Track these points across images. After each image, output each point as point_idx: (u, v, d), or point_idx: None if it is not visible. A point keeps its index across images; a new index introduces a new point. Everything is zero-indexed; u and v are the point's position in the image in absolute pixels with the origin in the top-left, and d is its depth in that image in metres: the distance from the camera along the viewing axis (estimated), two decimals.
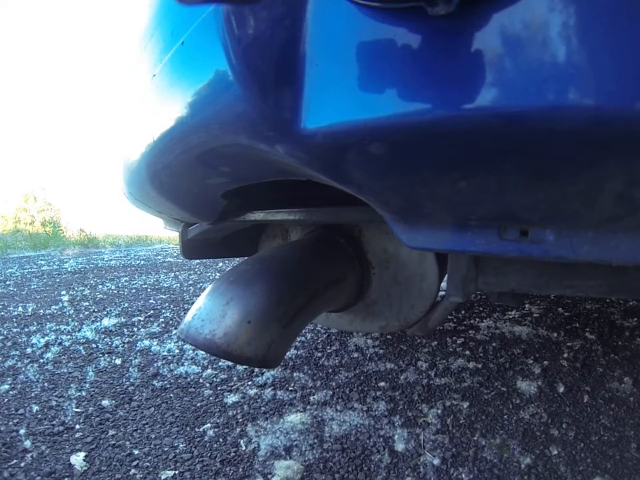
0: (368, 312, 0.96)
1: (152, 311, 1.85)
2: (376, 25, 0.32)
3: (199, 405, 0.97)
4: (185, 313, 1.79)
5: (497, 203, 0.38)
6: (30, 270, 3.38)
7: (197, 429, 0.87)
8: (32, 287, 2.57)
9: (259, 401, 0.97)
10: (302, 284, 0.75)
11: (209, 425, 0.88)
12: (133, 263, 3.84)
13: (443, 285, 0.78)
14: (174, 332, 1.53)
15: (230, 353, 0.63)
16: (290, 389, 1.02)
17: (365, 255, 0.91)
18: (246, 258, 0.90)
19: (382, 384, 1.03)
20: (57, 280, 2.82)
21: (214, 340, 0.63)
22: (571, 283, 0.57)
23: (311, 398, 0.97)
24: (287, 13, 0.36)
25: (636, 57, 0.24)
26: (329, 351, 1.26)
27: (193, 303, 2.00)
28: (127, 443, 0.83)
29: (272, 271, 0.74)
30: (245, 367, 1.14)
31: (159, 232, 7.17)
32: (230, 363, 1.17)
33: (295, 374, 1.10)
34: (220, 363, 1.20)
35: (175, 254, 4.59)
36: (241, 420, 0.90)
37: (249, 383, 1.07)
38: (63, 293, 2.33)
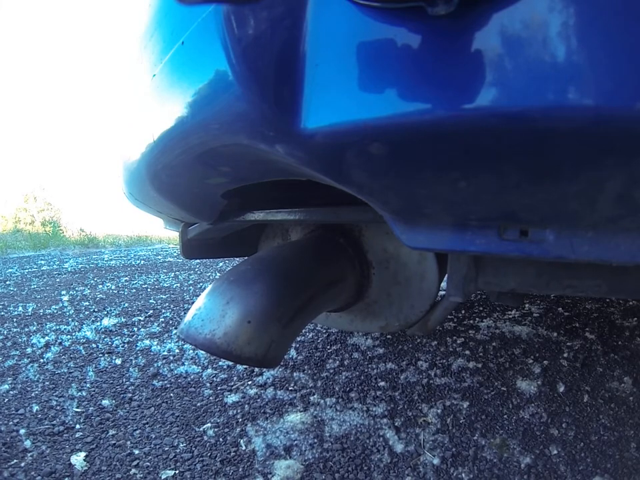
0: (368, 312, 0.96)
1: (152, 311, 1.85)
2: (376, 25, 0.32)
3: (199, 404, 0.97)
4: (184, 313, 1.80)
5: (496, 202, 0.38)
6: (30, 270, 3.38)
7: (197, 429, 0.87)
8: (32, 286, 2.57)
9: (259, 400, 0.97)
10: (302, 284, 0.75)
11: (209, 424, 0.88)
12: (133, 262, 3.84)
13: (443, 284, 0.78)
14: (174, 332, 1.53)
15: (230, 353, 0.63)
16: (290, 388, 1.02)
17: (365, 255, 0.91)
18: (246, 258, 0.90)
19: (382, 384, 1.03)
20: (57, 280, 2.82)
21: (214, 340, 0.63)
22: (570, 282, 0.57)
23: (311, 398, 0.97)
24: (287, 13, 0.36)
25: (635, 57, 0.24)
26: (329, 351, 1.26)
27: (193, 303, 1.99)
28: (127, 442, 0.83)
29: (272, 270, 0.74)
30: (245, 366, 1.14)
31: (159, 232, 7.18)
32: (230, 363, 1.17)
33: (295, 374, 1.10)
34: (220, 363, 1.20)
35: (175, 254, 4.59)
36: (241, 420, 0.90)
37: (249, 382, 1.06)
38: (63, 292, 2.33)
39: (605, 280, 0.55)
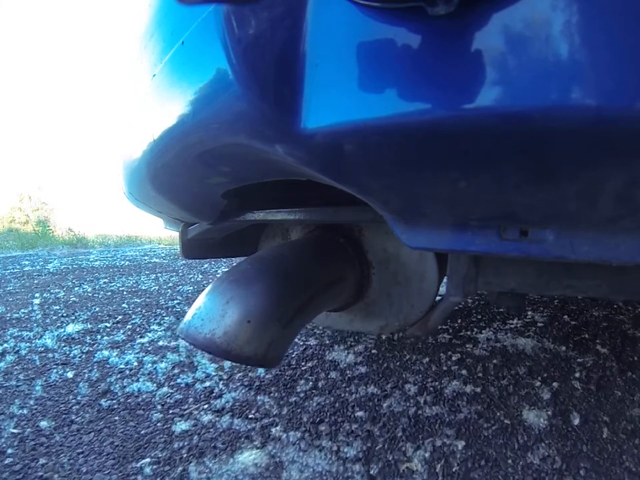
0: (368, 311, 0.97)
1: (121, 317, 1.75)
2: (376, 25, 0.32)
3: (143, 432, 0.85)
4: (155, 319, 1.71)
5: (496, 202, 0.38)
6: (12, 270, 3.23)
7: (134, 464, 0.76)
8: (8, 288, 2.44)
9: (211, 430, 0.84)
10: (302, 283, 0.75)
11: (148, 459, 0.77)
12: (117, 263, 3.68)
13: (443, 285, 0.77)
14: (138, 341, 1.43)
15: (229, 352, 0.63)
16: (250, 416, 0.88)
17: (365, 255, 0.91)
18: (246, 257, 0.90)
19: (360, 414, 0.87)
20: (35, 281, 2.70)
21: (213, 339, 0.63)
22: (570, 283, 0.57)
23: (272, 430, 0.83)
24: (287, 13, 0.36)
25: (636, 56, 0.24)
26: (303, 368, 1.11)
27: (166, 308, 1.93)
28: (55, 475, 0.73)
29: (272, 270, 0.74)
30: (203, 387, 1.03)
31: (149, 232, 6.95)
32: (189, 381, 1.07)
33: (259, 397, 0.96)
34: (178, 381, 1.07)
35: (162, 254, 4.44)
36: (185, 456, 0.77)
37: (205, 406, 0.93)
38: (37, 295, 2.22)
39: (605, 280, 0.55)
